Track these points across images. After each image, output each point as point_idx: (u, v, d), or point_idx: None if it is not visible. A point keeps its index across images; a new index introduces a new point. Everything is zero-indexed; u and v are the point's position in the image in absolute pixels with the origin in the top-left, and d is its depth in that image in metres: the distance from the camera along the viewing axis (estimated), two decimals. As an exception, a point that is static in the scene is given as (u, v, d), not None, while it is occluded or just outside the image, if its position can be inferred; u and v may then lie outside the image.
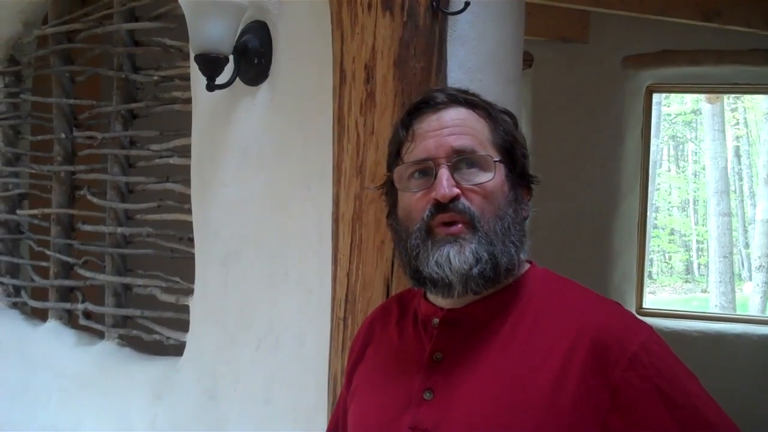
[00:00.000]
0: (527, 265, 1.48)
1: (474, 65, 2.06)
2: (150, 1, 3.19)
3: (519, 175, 1.46)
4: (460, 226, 1.37)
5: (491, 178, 1.39)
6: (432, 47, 1.92)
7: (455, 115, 1.43)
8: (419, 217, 1.39)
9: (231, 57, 2.45)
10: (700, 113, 16.47)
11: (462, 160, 1.39)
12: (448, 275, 1.36)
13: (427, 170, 1.41)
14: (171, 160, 3.08)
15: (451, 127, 1.42)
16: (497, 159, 1.41)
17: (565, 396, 1.28)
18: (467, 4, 1.96)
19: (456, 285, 1.37)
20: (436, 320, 1.44)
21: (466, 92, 1.49)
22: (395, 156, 1.48)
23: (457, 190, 1.37)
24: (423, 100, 1.47)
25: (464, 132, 1.42)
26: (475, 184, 1.38)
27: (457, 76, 2.01)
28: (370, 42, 1.90)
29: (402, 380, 1.44)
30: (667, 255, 19.60)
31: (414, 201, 1.41)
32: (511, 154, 1.44)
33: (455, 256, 1.36)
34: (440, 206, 1.37)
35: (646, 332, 1.34)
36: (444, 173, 1.38)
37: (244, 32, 2.51)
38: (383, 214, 1.84)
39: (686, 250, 19.82)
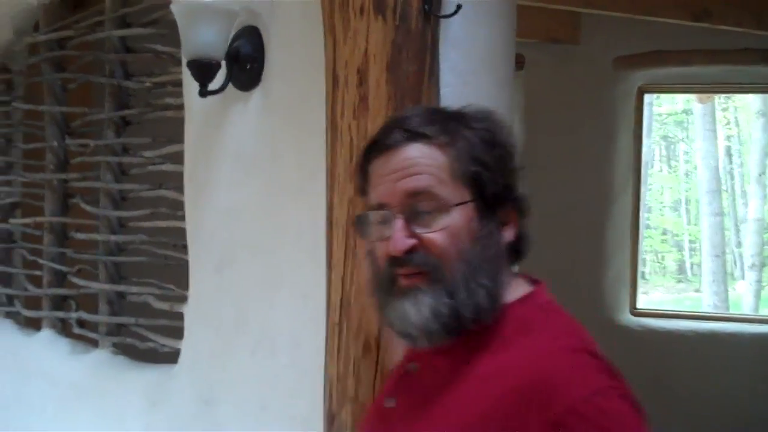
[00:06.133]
0: (520, 292, 1.38)
1: (466, 68, 2.07)
2: (142, 8, 3.18)
3: (494, 201, 1.35)
4: (419, 277, 1.31)
5: (451, 220, 1.31)
6: (424, 51, 1.92)
7: (408, 154, 1.33)
8: (382, 265, 1.35)
9: (223, 62, 2.44)
10: (691, 113, 16.51)
11: (417, 204, 1.31)
12: (409, 329, 1.32)
13: (385, 217, 1.34)
14: (164, 167, 3.08)
15: (404, 169, 1.33)
16: (458, 202, 1.32)
17: None
18: (459, 7, 1.97)
19: (419, 338, 1.33)
20: (413, 365, 1.42)
21: (426, 119, 1.38)
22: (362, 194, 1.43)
23: (411, 242, 1.30)
24: (375, 139, 1.40)
25: (418, 172, 1.32)
26: (434, 230, 1.31)
27: (449, 80, 2.01)
28: (363, 46, 1.90)
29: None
30: (659, 255, 19.64)
31: (377, 247, 1.37)
32: (481, 182, 1.34)
33: (413, 312, 1.30)
34: (397, 260, 1.32)
35: (592, 389, 1.20)
36: (397, 224, 1.31)
37: (236, 37, 2.51)
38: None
39: (679, 250, 19.87)
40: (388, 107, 1.89)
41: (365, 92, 1.89)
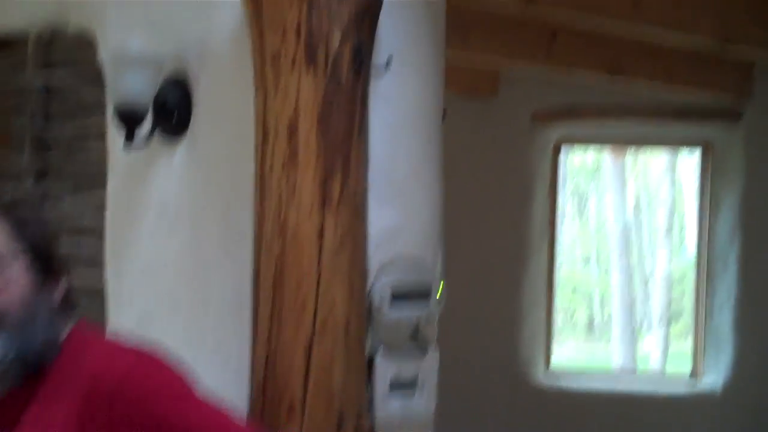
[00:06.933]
0: (70, 333, 1.65)
1: (395, 122, 2.10)
2: (65, 52, 3.14)
3: (43, 265, 1.63)
4: None
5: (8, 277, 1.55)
6: (354, 105, 1.94)
7: None
8: None
9: (150, 111, 2.42)
10: (601, 167, 16.89)
11: None
12: None
13: None
14: (84, 217, 3.02)
15: None
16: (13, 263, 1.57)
17: None
18: (389, 63, 2.00)
19: None
20: None
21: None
22: None
23: None
24: None
25: None
26: None
27: (378, 134, 2.04)
28: (293, 99, 1.91)
29: None
30: (570, 309, 19.87)
31: None
32: (34, 251, 1.61)
33: None
34: None
35: (126, 364, 1.55)
36: None
37: (163, 85, 2.48)
38: (304, 277, 1.85)
39: (589, 304, 20.13)
40: (318, 161, 1.89)
41: (295, 146, 1.90)
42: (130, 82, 2.32)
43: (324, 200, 1.90)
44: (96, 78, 2.73)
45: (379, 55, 2.02)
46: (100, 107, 2.87)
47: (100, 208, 2.85)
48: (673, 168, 14.33)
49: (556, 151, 5.64)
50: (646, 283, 17.24)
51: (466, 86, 5.18)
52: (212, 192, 2.34)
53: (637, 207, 17.68)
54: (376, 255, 2.07)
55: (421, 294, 2.16)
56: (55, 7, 2.92)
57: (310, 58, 1.88)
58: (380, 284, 2.06)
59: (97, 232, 2.87)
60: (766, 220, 5.22)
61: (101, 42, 2.66)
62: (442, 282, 2.24)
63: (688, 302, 12.48)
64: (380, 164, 2.06)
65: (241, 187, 2.10)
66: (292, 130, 1.90)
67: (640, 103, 5.26)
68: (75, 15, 2.84)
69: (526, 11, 3.41)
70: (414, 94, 2.16)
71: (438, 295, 2.22)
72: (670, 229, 14.27)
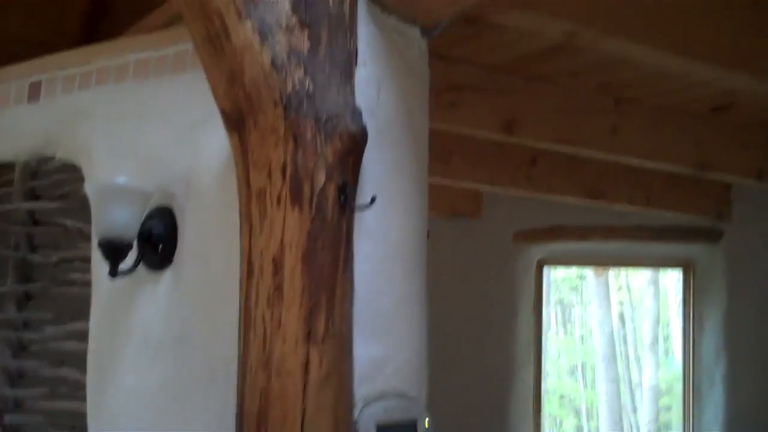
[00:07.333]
0: None
1: (380, 256, 2.12)
2: (52, 181, 3.16)
3: None
4: None
5: None
6: (339, 241, 1.96)
7: None
8: None
9: (135, 242, 2.43)
10: (585, 278, 16.94)
11: None
12: None
13: None
14: (66, 345, 2.99)
15: None
16: None
17: None
18: (373, 200, 2.03)
19: None
20: None
21: None
22: None
23: None
24: None
25: None
26: None
27: (363, 268, 2.05)
28: (279, 235, 1.92)
29: None
30: (557, 420, 19.64)
31: None
32: None
33: None
34: None
35: None
36: None
37: (149, 217, 2.50)
38: (290, 412, 1.84)
39: (576, 415, 19.91)
40: (303, 297, 1.90)
41: (280, 282, 1.91)
42: (115, 215, 2.34)
43: (309, 334, 1.90)
44: (82, 207, 2.75)
45: (364, 191, 2.05)
46: (85, 236, 2.89)
47: (83, 335, 2.83)
48: (656, 279, 14.37)
49: (540, 270, 5.67)
50: (633, 393, 17.10)
51: (448, 208, 5.25)
52: (196, 322, 2.34)
53: (621, 318, 17.67)
54: (361, 388, 2.05)
55: (407, 427, 2.14)
56: (42, 138, 2.97)
57: (296, 196, 1.91)
58: (365, 417, 2.04)
59: (79, 360, 2.85)
60: (750, 340, 5.22)
61: (87, 174, 2.70)
62: (427, 418, 2.22)
63: (676, 414, 12.38)
64: (365, 297, 2.07)
65: (226, 319, 2.11)
66: (278, 266, 1.92)
67: (621, 223, 5.32)
68: (62, 146, 2.88)
69: (505, 139, 3.48)
70: (398, 226, 2.18)
71: (426, 426, 2.20)
72: (656, 340, 14.22)
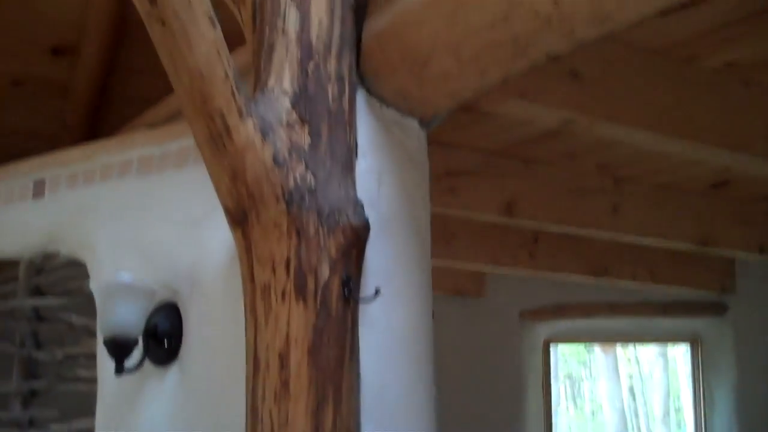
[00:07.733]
0: None
1: (386, 347, 2.12)
2: (57, 278, 3.17)
3: None
4: None
5: None
6: (345, 334, 1.96)
7: None
8: None
9: (140, 339, 2.43)
10: (593, 351, 16.81)
11: None
12: None
13: None
14: (72, 441, 2.97)
15: None
16: None
17: None
18: (377, 292, 2.04)
19: None
20: None
21: None
22: None
23: None
24: None
25: None
26: None
27: (368, 360, 2.04)
28: (284, 330, 1.92)
29: None
30: (571, 498, 19.28)
31: None
32: None
33: None
34: None
35: None
36: None
37: (154, 313, 2.51)
38: None
39: (590, 492, 19.54)
40: (310, 391, 1.89)
41: (287, 377, 1.90)
42: (120, 313, 2.35)
43: (317, 429, 1.89)
44: (87, 304, 2.76)
45: (368, 282, 2.06)
46: (91, 333, 2.89)
47: (89, 433, 2.82)
48: (664, 352, 14.26)
49: (547, 348, 5.65)
50: (646, 468, 16.82)
51: (453, 288, 5.25)
52: (202, 419, 2.33)
53: (631, 391, 17.48)
54: (370, 481, 2.04)
55: None
56: (47, 234, 2.99)
57: (300, 291, 1.92)
58: None
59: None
60: (762, 413, 5.16)
61: (92, 271, 2.71)
62: None
63: (690, 490, 12.16)
64: (372, 389, 2.06)
65: (232, 414, 2.09)
66: (284, 361, 1.91)
67: (626, 299, 5.32)
68: (66, 243, 2.90)
69: (507, 220, 3.51)
70: (403, 316, 2.18)
71: None
72: (667, 412, 14.04)
